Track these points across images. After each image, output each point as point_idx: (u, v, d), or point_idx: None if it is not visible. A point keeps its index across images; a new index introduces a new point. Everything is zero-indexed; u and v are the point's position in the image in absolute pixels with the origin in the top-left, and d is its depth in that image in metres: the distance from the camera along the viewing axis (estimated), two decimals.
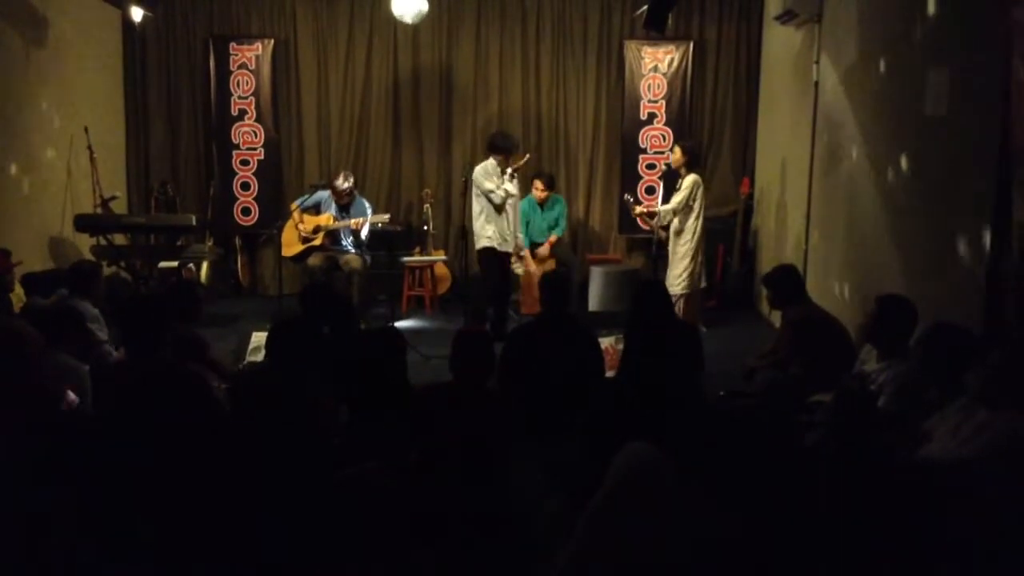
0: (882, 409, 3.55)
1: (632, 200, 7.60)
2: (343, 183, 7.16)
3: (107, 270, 6.81)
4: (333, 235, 7.21)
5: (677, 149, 7.12)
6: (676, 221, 6.99)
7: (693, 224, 6.94)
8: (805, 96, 6.96)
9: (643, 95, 8.74)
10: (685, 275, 6.92)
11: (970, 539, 2.47)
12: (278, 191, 8.91)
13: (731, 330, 7.20)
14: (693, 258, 6.93)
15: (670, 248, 7.03)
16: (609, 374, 4.89)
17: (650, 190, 8.63)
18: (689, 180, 6.93)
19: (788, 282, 5.13)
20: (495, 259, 7.02)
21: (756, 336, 6.93)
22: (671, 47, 8.67)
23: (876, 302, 4.06)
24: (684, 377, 4.23)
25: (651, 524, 2.10)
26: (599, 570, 2.15)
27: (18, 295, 5.84)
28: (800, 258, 6.91)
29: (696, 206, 6.94)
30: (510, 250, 7.08)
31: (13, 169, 6.86)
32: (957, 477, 2.75)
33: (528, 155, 7.28)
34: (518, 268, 7.66)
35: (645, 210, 7.41)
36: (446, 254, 8.56)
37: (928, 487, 2.64)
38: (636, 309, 4.76)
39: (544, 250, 7.92)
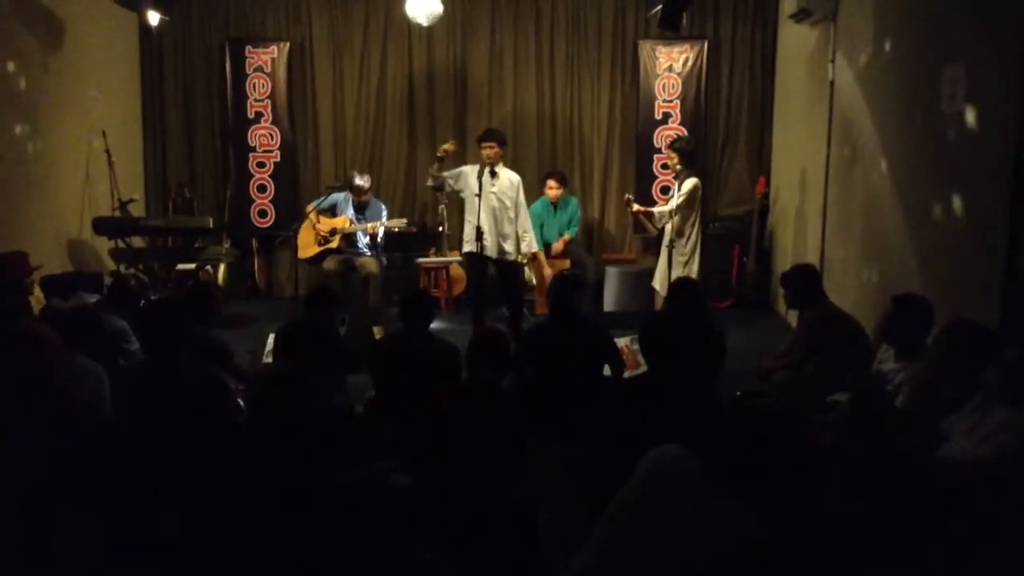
0: (900, 409, 3.53)
1: (631, 198, 7.46)
2: (362, 181, 7.18)
3: (124, 272, 6.86)
4: (349, 237, 7.23)
5: (671, 153, 6.94)
6: (675, 224, 6.76)
7: (690, 230, 6.80)
8: (821, 95, 6.92)
9: (658, 95, 8.72)
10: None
11: (989, 540, 2.45)
12: (294, 193, 8.96)
13: (747, 330, 7.17)
14: (687, 263, 6.82)
15: (673, 253, 6.87)
16: (625, 374, 4.88)
17: (665, 190, 8.60)
18: (689, 184, 6.72)
19: (806, 281, 5.08)
20: (468, 260, 6.75)
21: (772, 336, 6.89)
22: (685, 46, 8.64)
23: (892, 301, 4.03)
24: (702, 378, 4.21)
25: (677, 522, 2.10)
26: (623, 566, 2.15)
27: (37, 298, 5.89)
28: (817, 257, 6.88)
29: (694, 211, 6.78)
30: (473, 250, 6.52)
31: (31, 172, 6.93)
32: (975, 477, 2.73)
33: (450, 142, 6.73)
34: (532, 275, 7.52)
35: (642, 209, 7.27)
36: (461, 255, 8.57)
37: (946, 488, 2.62)
38: (670, 308, 4.73)
39: (557, 247, 7.91)
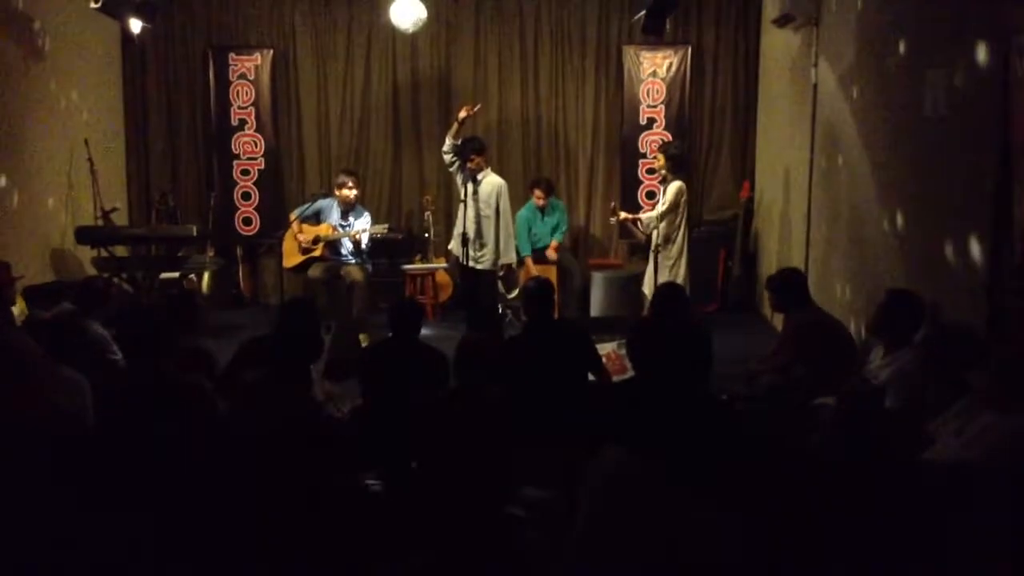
0: (887, 410, 3.54)
1: (616, 205, 7.50)
2: (348, 184, 7.16)
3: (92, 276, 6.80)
4: (333, 245, 7.20)
5: (660, 156, 6.97)
6: (662, 230, 6.80)
7: (675, 234, 6.82)
8: (804, 99, 6.95)
9: (642, 100, 8.74)
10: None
11: (974, 542, 2.46)
12: (279, 201, 8.93)
13: (733, 334, 7.17)
14: (673, 268, 6.83)
15: (660, 257, 6.91)
16: (614, 379, 4.87)
17: (650, 195, 8.62)
18: (673, 188, 6.77)
19: (791, 285, 5.10)
20: (457, 269, 6.85)
21: (758, 340, 6.90)
22: (669, 51, 8.67)
23: (886, 294, 4.10)
24: (690, 382, 4.21)
25: (638, 525, 2.10)
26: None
27: (20, 308, 5.84)
28: (801, 260, 6.90)
29: (680, 215, 6.81)
30: (460, 258, 6.72)
31: (13, 182, 6.87)
32: (961, 480, 2.74)
33: (471, 106, 6.97)
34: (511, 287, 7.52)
35: (629, 216, 7.31)
36: (447, 261, 8.55)
37: (932, 490, 2.62)
38: (653, 312, 4.75)
39: (551, 254, 7.92)
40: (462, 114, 6.66)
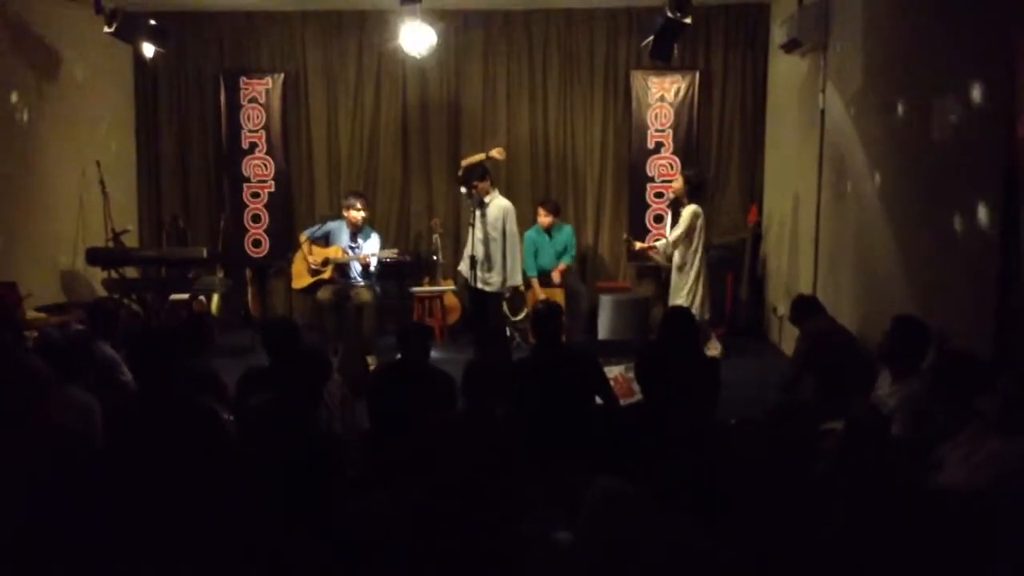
0: (896, 436, 3.52)
1: (630, 238, 7.57)
2: (357, 206, 7.22)
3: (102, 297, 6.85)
4: (342, 267, 7.24)
5: (680, 178, 7.09)
6: (677, 254, 6.91)
7: (692, 257, 6.88)
8: (811, 124, 6.97)
9: (650, 124, 8.77)
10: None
11: (983, 569, 2.44)
12: (288, 223, 8.97)
13: (740, 358, 7.17)
14: (691, 291, 6.86)
15: (673, 281, 6.96)
16: (621, 402, 4.87)
17: (658, 218, 8.64)
18: (688, 211, 6.86)
19: (798, 304, 5.31)
20: (466, 291, 6.97)
21: (765, 364, 6.90)
22: (677, 76, 8.71)
23: (892, 321, 4.08)
24: (696, 408, 4.21)
25: (631, 553, 2.10)
26: None
27: (30, 328, 5.87)
28: (809, 285, 6.90)
29: (696, 238, 6.87)
30: (468, 280, 6.83)
31: (25, 203, 6.93)
32: (971, 506, 2.72)
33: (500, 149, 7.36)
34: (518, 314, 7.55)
35: (644, 246, 7.37)
36: (455, 283, 8.57)
37: (941, 517, 2.61)
38: (660, 336, 4.76)
39: (554, 278, 7.91)
40: (493, 153, 6.85)
